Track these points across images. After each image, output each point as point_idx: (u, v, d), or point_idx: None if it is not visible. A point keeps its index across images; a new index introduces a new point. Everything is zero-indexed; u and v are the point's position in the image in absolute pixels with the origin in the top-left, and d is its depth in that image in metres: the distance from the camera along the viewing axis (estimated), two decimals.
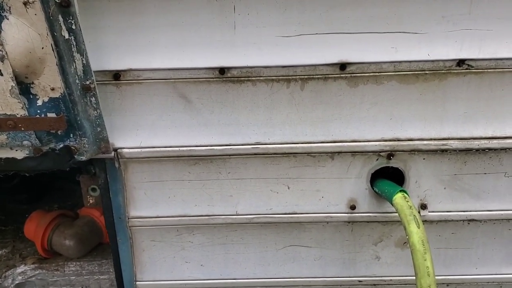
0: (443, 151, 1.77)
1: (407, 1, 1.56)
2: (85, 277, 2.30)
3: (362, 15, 1.57)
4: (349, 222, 1.91)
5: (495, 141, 1.75)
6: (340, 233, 1.94)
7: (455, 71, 1.66)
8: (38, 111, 1.59)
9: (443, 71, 1.66)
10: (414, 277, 1.56)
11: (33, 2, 1.40)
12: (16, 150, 1.70)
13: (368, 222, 1.91)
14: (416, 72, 1.66)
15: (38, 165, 1.72)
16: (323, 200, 1.87)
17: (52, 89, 1.56)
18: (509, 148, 1.76)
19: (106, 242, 2.51)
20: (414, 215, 1.61)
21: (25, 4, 1.41)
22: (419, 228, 1.58)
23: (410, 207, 1.64)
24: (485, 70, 1.66)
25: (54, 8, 1.42)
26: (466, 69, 1.66)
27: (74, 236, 2.44)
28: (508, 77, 1.67)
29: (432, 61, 1.64)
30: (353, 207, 1.86)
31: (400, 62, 1.65)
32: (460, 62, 1.65)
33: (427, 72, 1.66)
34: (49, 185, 3.13)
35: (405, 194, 1.69)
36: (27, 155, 1.70)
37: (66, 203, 3.13)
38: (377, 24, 1.59)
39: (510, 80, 1.67)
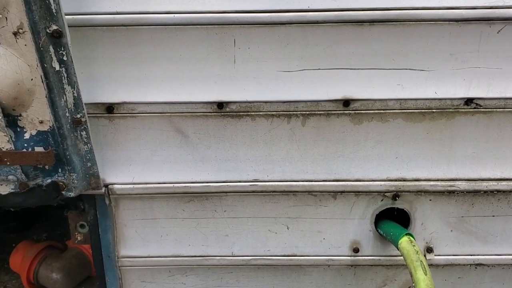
0: (450, 192, 1.70)
1: (414, 37, 1.51)
2: None
3: (367, 50, 1.52)
4: (351, 265, 1.82)
5: (504, 182, 1.68)
6: (342, 277, 1.85)
7: (463, 110, 1.60)
8: (25, 145, 1.51)
9: (450, 109, 1.60)
10: None
11: (23, 32, 1.34)
12: (1, 185, 1.61)
13: (371, 265, 1.82)
14: (423, 111, 1.60)
15: (24, 201, 1.63)
16: (324, 241, 1.78)
17: (41, 122, 1.49)
18: None
19: (95, 275, 2.42)
20: (421, 261, 1.53)
21: (15, 34, 1.34)
22: (426, 274, 1.50)
23: (417, 252, 1.55)
24: (494, 110, 1.60)
25: (45, 39, 1.35)
26: (474, 108, 1.60)
27: (61, 269, 2.37)
28: None
29: (440, 99, 1.59)
30: (356, 250, 1.78)
31: (406, 99, 1.59)
32: (468, 101, 1.59)
33: (434, 110, 1.60)
34: (38, 213, 3.05)
35: (411, 238, 1.61)
36: (12, 190, 1.61)
37: (56, 232, 3.05)
38: (382, 60, 1.54)
39: None
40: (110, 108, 1.59)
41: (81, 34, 1.49)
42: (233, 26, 1.49)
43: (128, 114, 1.61)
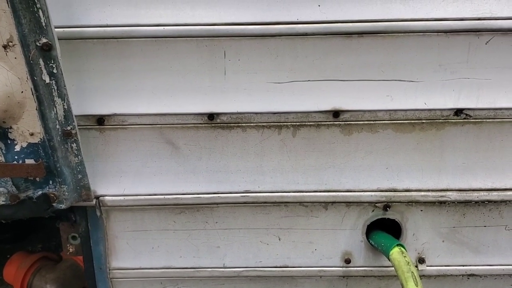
0: (441, 202, 1.70)
1: (403, 49, 1.52)
2: None
3: (356, 62, 1.53)
4: (344, 276, 1.81)
5: (495, 193, 1.68)
6: None
7: (452, 120, 1.61)
8: (16, 157, 1.51)
9: (440, 120, 1.61)
10: None
11: (13, 45, 1.34)
12: None
13: (363, 276, 1.81)
14: (413, 121, 1.61)
15: (14, 213, 1.62)
16: (316, 252, 1.77)
17: (31, 135, 1.49)
18: (509, 201, 1.69)
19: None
20: (412, 272, 1.52)
21: (4, 47, 1.35)
22: (417, 286, 1.49)
23: (408, 263, 1.55)
24: (484, 120, 1.60)
25: (35, 52, 1.36)
26: (464, 118, 1.60)
27: (56, 280, 2.34)
28: (507, 127, 1.61)
29: (429, 110, 1.59)
30: (348, 261, 1.77)
31: (395, 110, 1.59)
32: (458, 112, 1.59)
33: (424, 121, 1.61)
34: (33, 224, 3.03)
35: (403, 249, 1.60)
36: (2, 203, 1.60)
37: (51, 243, 3.03)
38: (371, 72, 1.54)
39: (509, 130, 1.62)
40: (100, 120, 1.60)
41: (72, 47, 1.49)
42: (223, 38, 1.50)
43: (118, 126, 1.61)
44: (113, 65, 1.53)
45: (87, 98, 1.57)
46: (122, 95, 1.57)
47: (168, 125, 1.61)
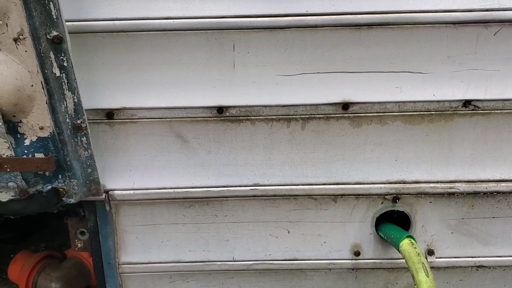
0: (450, 194, 1.70)
1: (412, 40, 1.52)
2: None
3: (365, 54, 1.53)
4: (353, 269, 1.81)
5: (503, 184, 1.68)
6: (343, 281, 1.84)
7: (461, 112, 1.61)
8: (26, 151, 1.51)
9: (449, 111, 1.61)
10: None
11: (23, 38, 1.34)
12: (0, 192, 1.60)
13: (373, 269, 1.81)
14: (422, 113, 1.61)
15: (24, 208, 1.62)
16: (325, 245, 1.78)
17: (41, 128, 1.48)
18: None
19: (94, 284, 2.40)
20: (422, 263, 1.52)
21: (15, 40, 1.34)
22: (428, 277, 1.50)
23: (418, 254, 1.55)
24: (492, 111, 1.61)
25: (45, 44, 1.36)
26: (473, 110, 1.61)
27: (60, 279, 2.32)
28: None
29: (438, 101, 1.59)
30: (357, 253, 1.77)
31: (404, 102, 1.59)
32: (466, 103, 1.60)
33: (432, 112, 1.61)
34: (36, 223, 3.02)
35: (413, 240, 1.61)
36: (12, 197, 1.60)
37: (55, 242, 3.02)
38: (381, 64, 1.55)
39: None
40: (110, 114, 1.60)
41: (81, 40, 1.49)
42: (232, 31, 1.50)
43: (128, 120, 1.61)
44: (122, 59, 1.53)
45: (96, 92, 1.56)
46: (131, 88, 1.57)
47: (178, 119, 1.61)
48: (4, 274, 2.52)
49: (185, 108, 1.59)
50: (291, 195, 1.70)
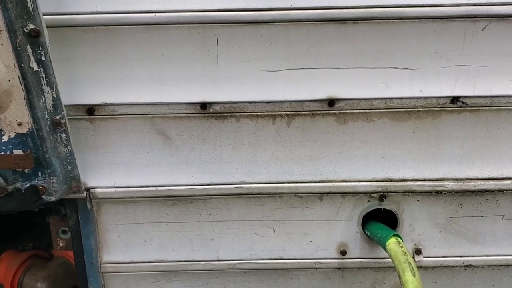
0: (438, 192, 1.67)
1: (398, 35, 1.49)
2: None
3: (351, 49, 1.50)
4: (339, 268, 1.78)
5: (491, 182, 1.66)
6: (330, 281, 1.81)
7: (449, 108, 1.59)
8: (3, 148, 1.47)
9: (436, 108, 1.58)
10: None
11: None
12: None
13: (360, 268, 1.78)
14: (409, 110, 1.58)
15: (3, 206, 1.58)
16: (311, 244, 1.75)
17: (19, 124, 1.45)
18: (506, 190, 1.67)
19: None
20: (409, 262, 1.50)
21: None
22: (414, 276, 1.47)
23: (405, 253, 1.52)
24: (480, 108, 1.58)
25: (22, 38, 1.32)
26: (461, 106, 1.58)
27: (47, 278, 2.29)
28: (504, 115, 1.59)
29: (425, 98, 1.57)
30: (343, 252, 1.74)
31: (391, 98, 1.57)
32: (454, 99, 1.57)
33: (419, 109, 1.58)
34: (23, 222, 2.98)
35: (399, 239, 1.58)
36: None
37: (42, 242, 2.98)
38: (367, 59, 1.52)
39: (506, 119, 1.60)
40: (90, 110, 1.56)
41: (61, 35, 1.46)
42: (215, 25, 1.47)
43: (109, 116, 1.57)
44: (103, 54, 1.50)
45: (77, 87, 1.53)
46: (112, 84, 1.53)
47: (160, 115, 1.58)
48: None
49: (167, 104, 1.56)
50: (277, 193, 1.67)
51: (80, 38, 1.48)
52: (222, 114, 1.58)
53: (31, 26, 1.31)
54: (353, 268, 1.78)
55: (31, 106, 1.42)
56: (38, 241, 2.88)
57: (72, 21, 1.45)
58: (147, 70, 1.52)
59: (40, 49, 1.35)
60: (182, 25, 1.47)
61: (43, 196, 1.56)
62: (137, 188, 1.65)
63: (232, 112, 1.58)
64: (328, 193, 1.67)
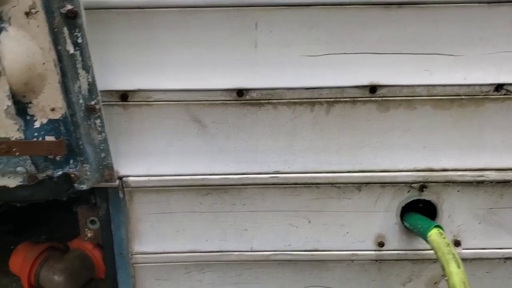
0: (479, 182, 1.63)
1: (443, 21, 1.44)
2: None
3: (395, 34, 1.45)
4: (376, 260, 1.74)
5: None
6: (366, 272, 1.77)
7: (492, 96, 1.54)
8: (36, 134, 1.42)
9: (480, 96, 1.53)
10: None
11: (35, 12, 1.25)
12: (8, 178, 1.51)
13: (397, 260, 1.74)
14: (451, 97, 1.53)
15: (32, 194, 1.53)
16: (348, 236, 1.70)
17: (52, 110, 1.40)
18: None
19: (98, 277, 2.33)
20: (453, 254, 1.46)
21: (27, 14, 1.26)
22: (459, 268, 1.43)
23: (448, 244, 1.48)
24: None
25: (59, 19, 1.27)
26: (505, 94, 1.53)
27: (64, 271, 2.25)
28: None
29: (468, 85, 1.52)
30: (381, 244, 1.70)
31: (434, 85, 1.52)
32: (498, 87, 1.52)
33: (463, 97, 1.53)
34: (37, 214, 2.95)
35: (441, 230, 1.54)
36: (20, 183, 1.52)
37: (55, 235, 2.95)
38: (410, 45, 1.47)
39: None
40: (124, 96, 1.51)
41: (95, 17, 1.40)
42: (255, 8, 1.42)
43: (143, 102, 1.52)
44: (138, 37, 1.44)
45: (110, 72, 1.48)
46: (147, 69, 1.48)
47: (195, 102, 1.53)
48: (5, 266, 2.45)
49: (203, 90, 1.51)
50: (313, 184, 1.63)
51: (114, 21, 1.42)
52: (259, 101, 1.53)
53: (69, 6, 1.26)
54: (391, 260, 1.74)
55: (66, 91, 1.37)
56: (51, 233, 2.85)
57: (107, 3, 1.40)
58: (183, 54, 1.47)
59: (77, 31, 1.30)
60: (220, 8, 1.41)
61: (75, 185, 1.51)
62: (171, 177, 1.60)
63: (269, 99, 1.53)
64: (367, 183, 1.63)
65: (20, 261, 2.28)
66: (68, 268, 2.24)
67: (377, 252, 1.72)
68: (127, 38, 1.44)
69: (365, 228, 1.69)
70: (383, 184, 1.63)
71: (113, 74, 1.48)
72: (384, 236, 1.70)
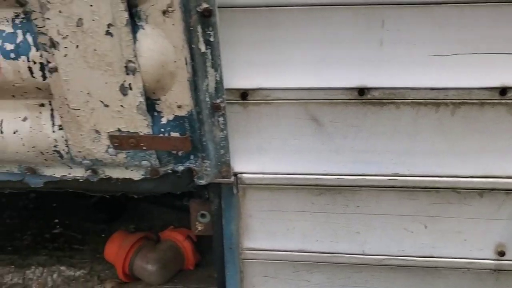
0: None
1: None
2: None
3: None
4: (495, 270, 1.66)
5: None
6: (482, 282, 1.69)
7: None
8: (162, 130, 1.46)
9: None
10: None
11: (172, 11, 1.28)
12: (131, 170, 1.58)
13: None
14: None
15: (155, 188, 1.59)
16: (465, 243, 1.64)
17: (179, 107, 1.43)
18: None
19: (187, 268, 2.38)
20: None
21: (164, 12, 1.28)
22: None
23: None
24: None
25: (195, 17, 1.29)
26: None
27: (157, 261, 2.32)
28: None
29: None
30: (501, 253, 1.62)
31: None
32: None
33: None
34: (124, 205, 3.05)
35: None
36: (142, 177, 1.58)
37: (143, 224, 3.04)
38: None
39: None
40: (244, 94, 1.51)
41: (220, 16, 1.41)
42: (383, 6, 1.37)
43: (262, 101, 1.52)
44: (262, 36, 1.44)
45: (231, 70, 1.48)
46: (268, 67, 1.48)
47: (314, 100, 1.51)
48: (98, 253, 2.54)
49: (323, 89, 1.49)
50: (433, 188, 1.57)
51: (238, 20, 1.42)
52: (380, 100, 1.49)
53: (205, 5, 1.28)
54: (510, 270, 1.66)
55: (195, 89, 1.40)
56: (139, 223, 2.94)
57: (233, 2, 1.40)
58: (305, 53, 1.45)
59: (210, 29, 1.32)
60: (347, 6, 1.39)
61: (194, 179, 1.55)
62: (285, 176, 1.60)
63: (392, 99, 1.49)
64: (491, 189, 1.55)
65: (116, 249, 2.36)
66: (162, 258, 2.31)
67: (496, 262, 1.64)
68: (251, 36, 1.44)
69: (484, 236, 1.62)
70: (508, 191, 1.55)
71: (234, 72, 1.49)
72: (505, 245, 1.62)
